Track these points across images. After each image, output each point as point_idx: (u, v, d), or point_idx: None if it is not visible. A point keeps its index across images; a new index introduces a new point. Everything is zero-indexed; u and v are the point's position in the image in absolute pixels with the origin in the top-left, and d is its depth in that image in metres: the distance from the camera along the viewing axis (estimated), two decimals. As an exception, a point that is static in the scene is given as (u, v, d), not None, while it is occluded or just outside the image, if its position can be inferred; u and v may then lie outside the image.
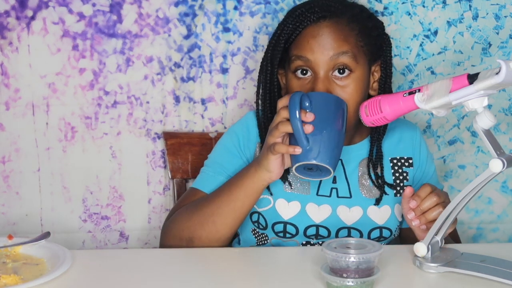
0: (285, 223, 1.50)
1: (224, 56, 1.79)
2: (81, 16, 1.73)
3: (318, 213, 1.50)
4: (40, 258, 1.31)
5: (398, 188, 1.53)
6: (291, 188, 1.50)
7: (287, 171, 1.49)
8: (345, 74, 1.43)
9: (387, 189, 1.52)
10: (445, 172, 1.89)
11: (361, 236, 1.50)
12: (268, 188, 1.50)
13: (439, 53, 1.83)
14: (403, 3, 1.80)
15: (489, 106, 1.83)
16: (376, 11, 1.78)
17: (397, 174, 1.54)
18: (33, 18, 1.72)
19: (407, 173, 1.55)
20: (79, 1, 1.73)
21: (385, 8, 1.79)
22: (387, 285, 1.21)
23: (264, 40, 1.77)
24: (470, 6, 1.81)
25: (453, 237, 1.54)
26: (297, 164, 1.32)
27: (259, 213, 1.52)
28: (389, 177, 1.53)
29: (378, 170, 1.52)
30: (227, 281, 1.27)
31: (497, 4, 1.82)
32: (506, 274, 1.22)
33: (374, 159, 1.52)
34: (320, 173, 1.34)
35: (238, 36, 1.78)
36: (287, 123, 1.32)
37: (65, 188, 1.80)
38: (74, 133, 1.78)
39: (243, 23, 1.78)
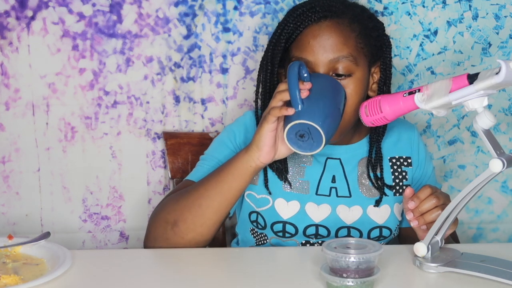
0: (284, 223, 1.50)
1: (224, 56, 1.79)
2: (81, 16, 1.73)
3: (318, 212, 1.50)
4: (40, 258, 1.31)
5: (398, 188, 1.53)
6: (291, 188, 1.50)
7: (286, 171, 1.49)
8: (344, 77, 1.43)
9: (386, 190, 1.52)
10: (445, 172, 1.88)
11: (361, 235, 1.51)
12: (267, 187, 1.50)
13: (439, 53, 1.83)
14: (403, 3, 1.80)
15: (489, 106, 1.83)
16: (376, 11, 1.78)
17: (396, 174, 1.54)
18: (33, 18, 1.72)
19: (406, 172, 1.55)
20: (79, 1, 1.73)
21: (385, 8, 1.79)
22: (387, 285, 1.21)
23: (264, 40, 1.77)
24: (470, 6, 1.81)
25: (452, 236, 1.54)
26: (289, 125, 1.31)
27: (258, 213, 1.52)
28: (388, 177, 1.53)
29: (378, 171, 1.52)
30: (227, 281, 1.27)
31: (497, 4, 1.82)
32: (506, 274, 1.22)
33: (374, 160, 1.52)
34: (312, 143, 1.32)
35: (238, 36, 1.78)
36: (285, 92, 1.33)
37: (65, 188, 1.80)
38: (74, 133, 1.78)
39: (243, 23, 1.78)
